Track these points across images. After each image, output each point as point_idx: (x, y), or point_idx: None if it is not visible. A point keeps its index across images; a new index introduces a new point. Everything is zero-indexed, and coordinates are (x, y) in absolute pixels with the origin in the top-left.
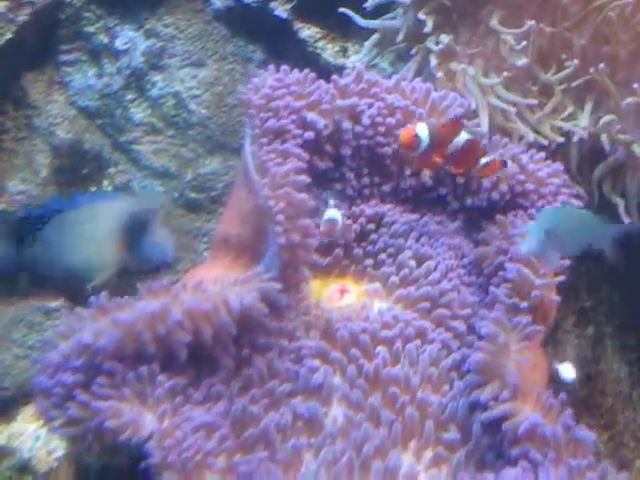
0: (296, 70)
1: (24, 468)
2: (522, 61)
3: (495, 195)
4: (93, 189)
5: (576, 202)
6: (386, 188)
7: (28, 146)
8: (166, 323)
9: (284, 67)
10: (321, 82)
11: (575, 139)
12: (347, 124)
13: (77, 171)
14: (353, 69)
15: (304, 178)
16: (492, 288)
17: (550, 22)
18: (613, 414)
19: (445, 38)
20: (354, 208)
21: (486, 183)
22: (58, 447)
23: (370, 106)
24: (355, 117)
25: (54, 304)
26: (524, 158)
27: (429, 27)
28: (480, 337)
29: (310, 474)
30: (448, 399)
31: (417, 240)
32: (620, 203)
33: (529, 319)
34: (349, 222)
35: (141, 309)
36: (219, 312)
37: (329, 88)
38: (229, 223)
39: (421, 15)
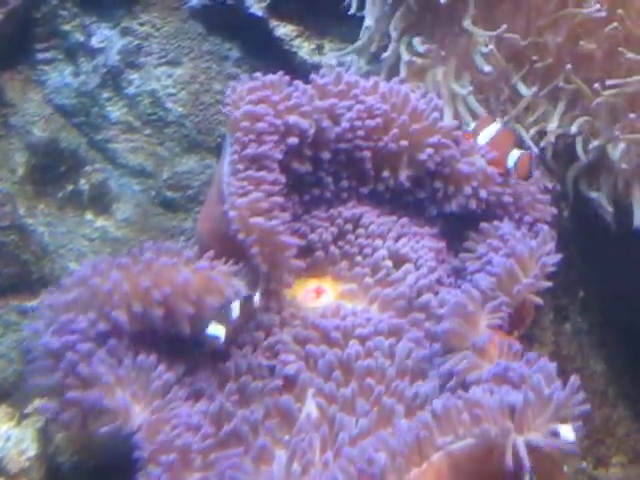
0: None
1: None
2: (488, 68)
3: (473, 202)
4: (70, 188)
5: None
6: (364, 190)
7: (5, 145)
8: (174, 282)
9: (257, 75)
10: (299, 83)
11: (543, 144)
12: (327, 123)
13: (54, 170)
14: (330, 68)
15: (275, 200)
16: (476, 277)
17: (525, 20)
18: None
19: (418, 44)
20: (332, 210)
21: (467, 189)
22: (30, 447)
23: (349, 109)
24: (334, 118)
25: (31, 303)
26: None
27: (394, 36)
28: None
29: (282, 465)
30: (422, 387)
31: (396, 240)
32: (601, 197)
33: (503, 300)
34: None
35: (148, 260)
36: (225, 289)
37: (307, 88)
38: (210, 240)
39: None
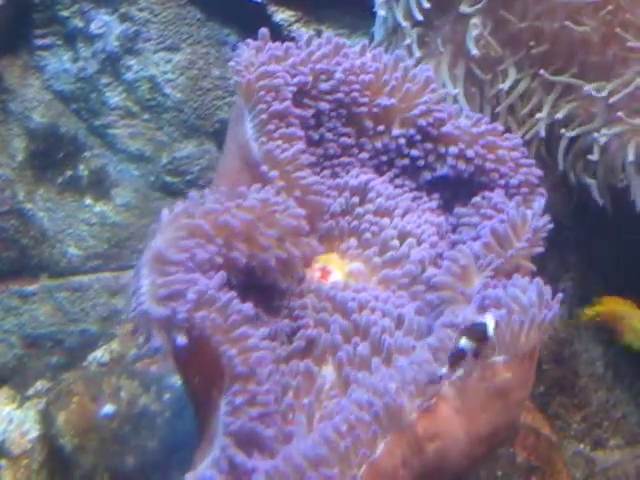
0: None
1: None
2: (475, 51)
3: (462, 163)
4: (69, 173)
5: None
6: (364, 155)
7: (3, 130)
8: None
9: (248, 41)
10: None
11: (528, 136)
12: (321, 65)
13: (53, 155)
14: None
15: (307, 157)
16: (470, 243)
17: (522, 6)
18: (587, 394)
19: (415, 47)
20: (338, 180)
21: (452, 149)
22: (32, 429)
23: (341, 64)
24: (327, 72)
25: (31, 288)
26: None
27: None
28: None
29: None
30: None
31: (402, 217)
32: (592, 184)
33: (493, 257)
34: None
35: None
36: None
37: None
38: None
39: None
